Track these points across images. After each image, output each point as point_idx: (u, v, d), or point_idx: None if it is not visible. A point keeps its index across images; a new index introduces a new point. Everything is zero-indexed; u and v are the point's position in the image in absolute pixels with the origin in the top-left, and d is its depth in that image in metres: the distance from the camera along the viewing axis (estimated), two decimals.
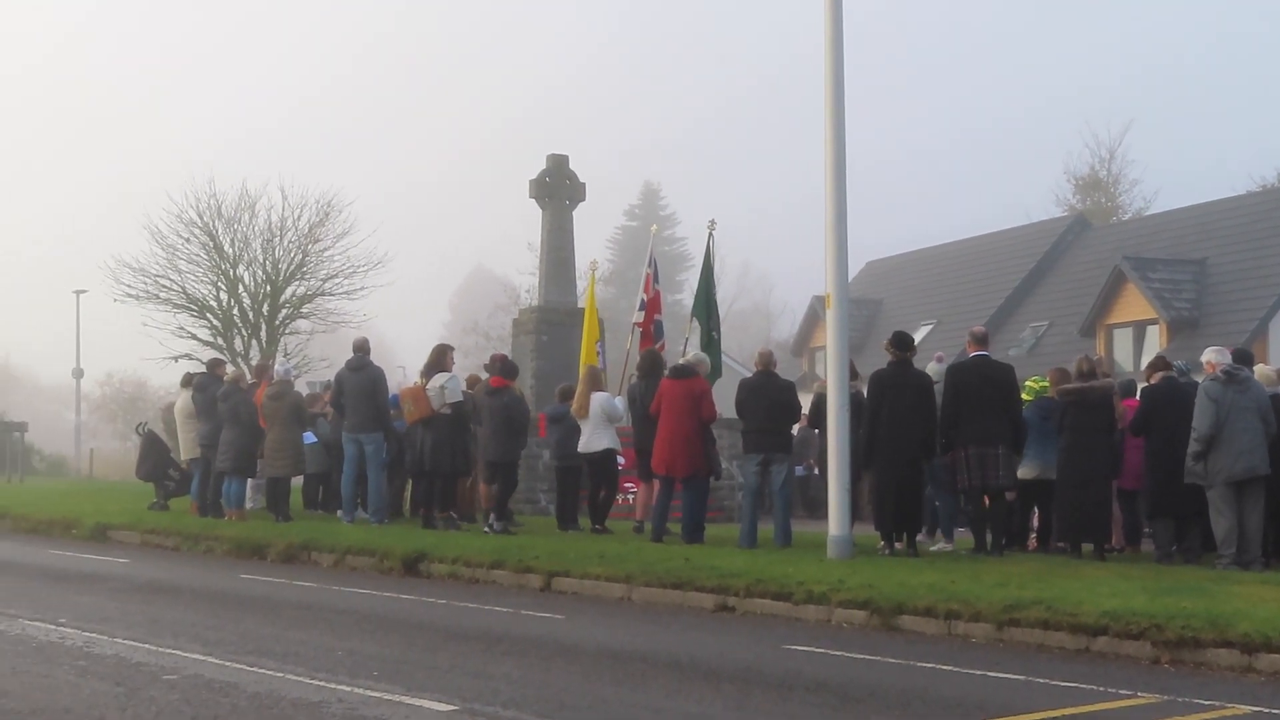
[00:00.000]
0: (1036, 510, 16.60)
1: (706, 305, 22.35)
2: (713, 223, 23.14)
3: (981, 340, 15.74)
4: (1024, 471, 15.87)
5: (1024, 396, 16.22)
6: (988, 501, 15.35)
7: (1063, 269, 45.14)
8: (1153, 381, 15.49)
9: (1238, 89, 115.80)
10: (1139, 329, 38.65)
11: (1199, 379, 14.97)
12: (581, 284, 29.96)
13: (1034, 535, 16.58)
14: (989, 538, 15.33)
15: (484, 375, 19.59)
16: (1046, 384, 16.39)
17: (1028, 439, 15.77)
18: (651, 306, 23.19)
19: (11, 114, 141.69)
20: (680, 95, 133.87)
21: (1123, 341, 39.17)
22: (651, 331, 23.00)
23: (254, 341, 37.80)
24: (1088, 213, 55.01)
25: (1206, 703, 8.44)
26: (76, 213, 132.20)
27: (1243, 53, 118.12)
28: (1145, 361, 22.96)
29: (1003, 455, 14.98)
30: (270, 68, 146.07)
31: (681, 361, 17.41)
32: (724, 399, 18.08)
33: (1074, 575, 12.80)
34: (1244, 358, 15.63)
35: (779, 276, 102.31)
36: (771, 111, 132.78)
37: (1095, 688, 8.85)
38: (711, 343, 22.26)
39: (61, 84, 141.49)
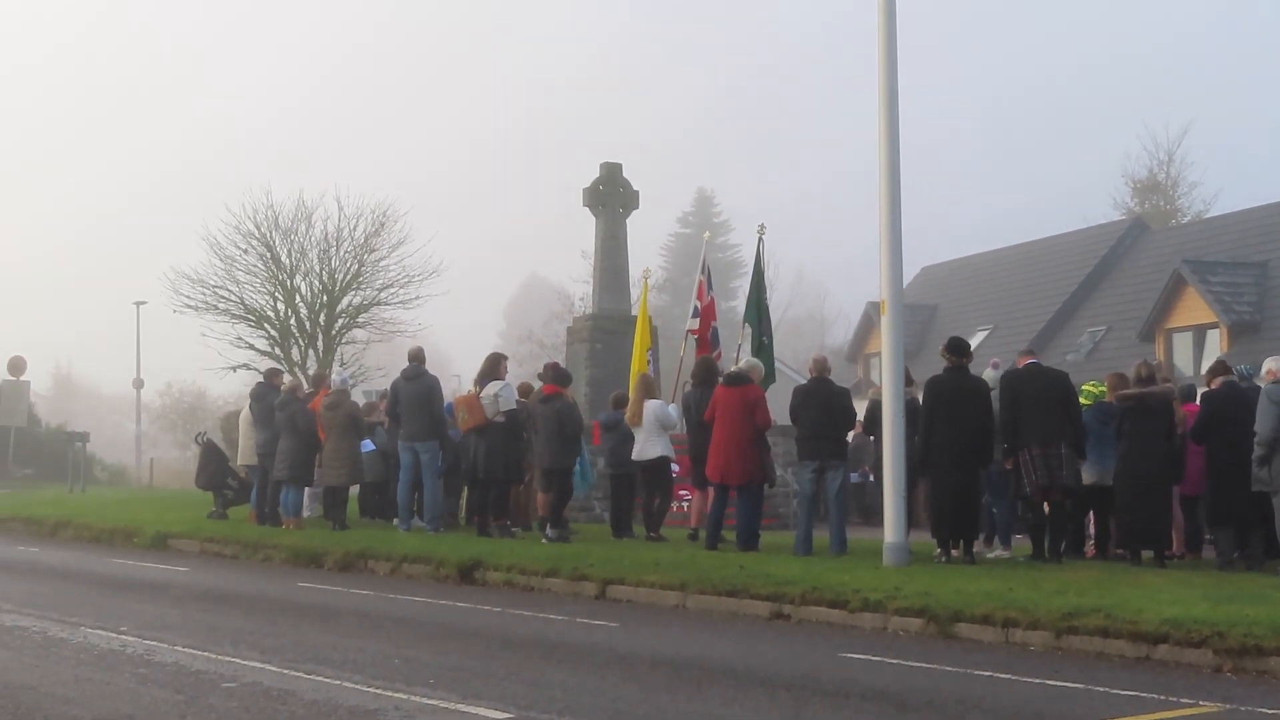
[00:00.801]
0: (1094, 517, 16.45)
1: (758, 311, 22.35)
2: (762, 227, 23.16)
3: (1029, 353, 15.93)
4: (1084, 477, 15.75)
5: (1082, 401, 16.10)
6: (1047, 507, 15.23)
7: (1121, 273, 44.76)
8: (1213, 386, 15.34)
9: None
10: (1199, 333, 38.24)
11: (1261, 384, 14.80)
12: (635, 292, 29.96)
13: (1092, 542, 16.44)
14: (1047, 544, 15.21)
15: (537, 384, 19.64)
16: (1104, 388, 16.27)
17: (1087, 445, 15.66)
18: (707, 314, 23.19)
19: (75, 126, 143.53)
20: (735, 99, 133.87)
21: (1182, 346, 38.78)
22: (709, 339, 23.00)
23: (311, 351, 38.07)
24: (1146, 216, 54.55)
25: (1270, 711, 8.33)
26: (137, 223, 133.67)
27: None
28: (1205, 366, 22.70)
29: (1066, 454, 14.89)
30: (324, 78, 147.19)
31: (735, 368, 17.40)
32: (778, 405, 18.06)
33: (1134, 582, 12.67)
34: None
35: (833, 282, 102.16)
36: (826, 116, 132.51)
37: (1156, 696, 8.76)
38: (763, 348, 22.25)
39: (123, 93, 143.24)
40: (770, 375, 21.82)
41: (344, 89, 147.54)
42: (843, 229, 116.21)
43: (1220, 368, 15.68)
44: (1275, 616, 10.15)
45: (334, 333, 38.67)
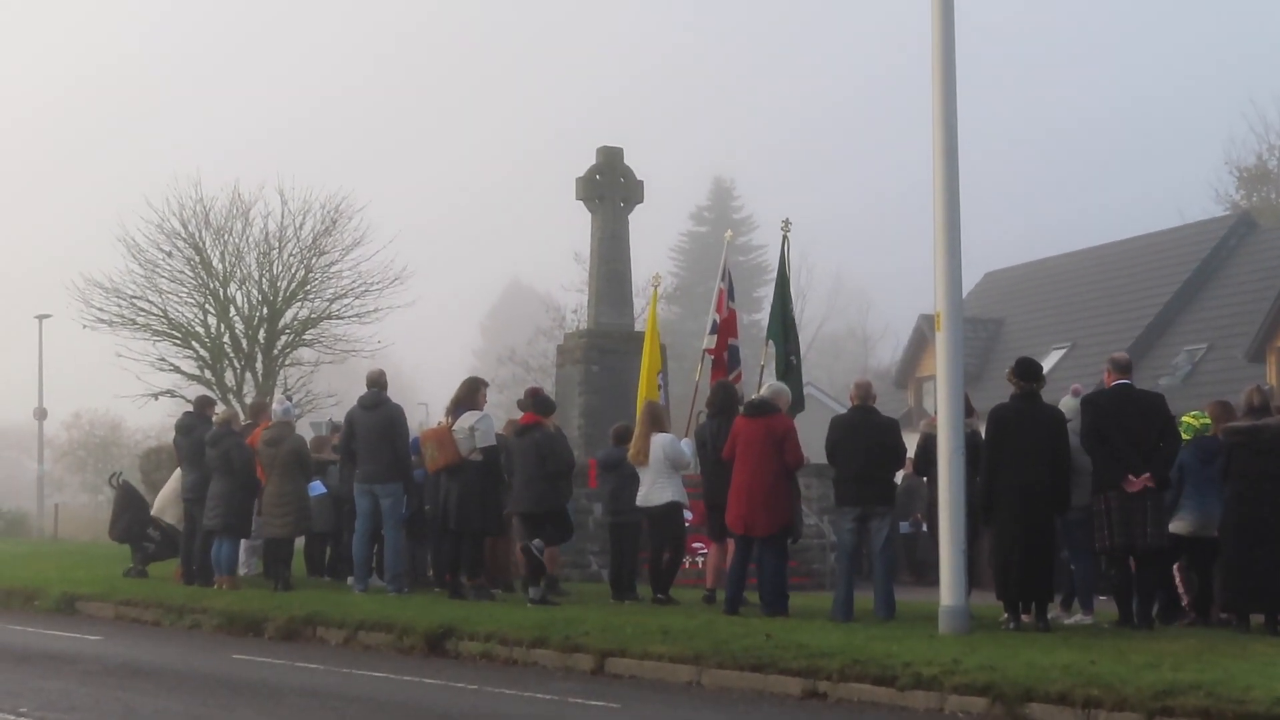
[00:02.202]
0: (1195, 574, 16.43)
1: (783, 324, 22.29)
2: (787, 223, 23.05)
3: (1124, 368, 15.63)
4: (1180, 526, 15.74)
5: (1181, 435, 16.11)
6: (1134, 564, 15.23)
7: (1224, 280, 44.81)
8: None
9: None
10: None
11: None
12: (640, 302, 30.02)
13: (1191, 604, 16.42)
14: (1136, 607, 15.20)
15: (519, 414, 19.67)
16: (1208, 420, 16.26)
17: (1185, 488, 15.66)
18: (725, 329, 23.20)
19: None
20: (757, 75, 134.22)
21: None
22: (725, 360, 23.02)
23: (248, 375, 38.11)
24: (1254, 211, 54.65)
25: None
26: (40, 225, 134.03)
27: None
28: None
29: (1151, 506, 14.87)
30: (264, 58, 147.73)
31: (758, 395, 17.35)
32: (812, 440, 18.05)
33: (1241, 653, 12.66)
34: None
35: (879, 292, 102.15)
36: (867, 90, 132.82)
37: None
38: (790, 370, 22.18)
39: (24, 83, 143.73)
40: (799, 402, 21.83)
41: (287, 61, 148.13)
42: (890, 228, 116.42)
43: None
44: None
45: (276, 352, 38.71)
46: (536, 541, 17.91)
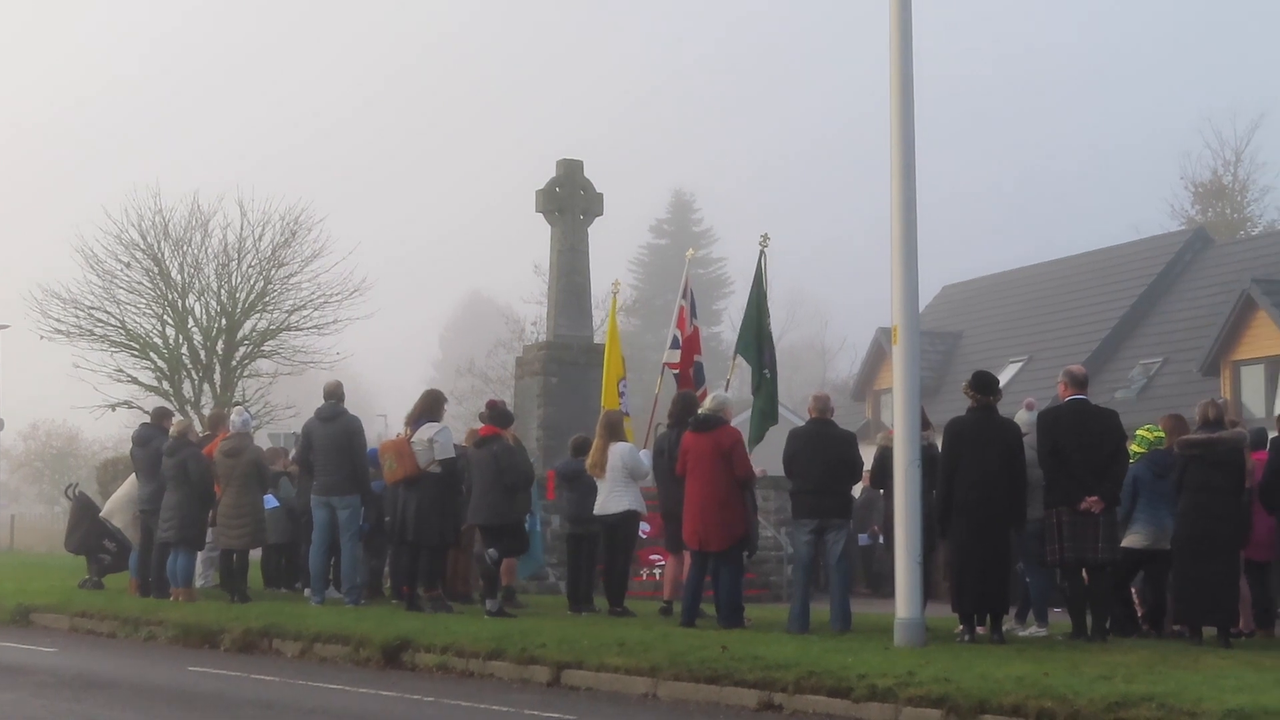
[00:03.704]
0: (1149, 587, 16.52)
1: (758, 339, 22.24)
2: (765, 238, 22.96)
3: (1079, 382, 15.66)
4: (1134, 540, 15.82)
5: (1134, 449, 16.19)
6: (1086, 576, 15.29)
7: (1179, 294, 45.07)
8: None
9: None
10: (1272, 366, 38.52)
11: None
12: (599, 314, 30.05)
13: (1144, 616, 16.51)
14: (1089, 620, 15.27)
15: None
16: (1161, 434, 16.34)
17: (1140, 502, 15.75)
18: (689, 346, 23.15)
19: None
20: (714, 84, 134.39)
21: (1253, 381, 39.06)
22: (691, 376, 22.97)
23: (206, 386, 37.98)
24: (1210, 226, 54.96)
25: None
26: None
27: None
28: None
29: (1103, 521, 14.94)
30: (225, 70, 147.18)
31: (703, 409, 17.28)
32: (771, 452, 18.07)
33: (1193, 665, 12.73)
34: None
35: (837, 305, 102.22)
36: (828, 104, 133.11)
37: None
38: (764, 384, 22.15)
39: None
40: (773, 415, 21.82)
41: (250, 72, 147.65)
42: (848, 240, 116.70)
43: None
44: None
45: (234, 364, 38.61)
46: (491, 550, 17.90)
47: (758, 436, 21.39)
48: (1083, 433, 15.10)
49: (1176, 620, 15.66)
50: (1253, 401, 38.11)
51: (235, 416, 21.15)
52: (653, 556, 22.33)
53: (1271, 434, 16.64)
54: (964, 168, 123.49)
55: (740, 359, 22.90)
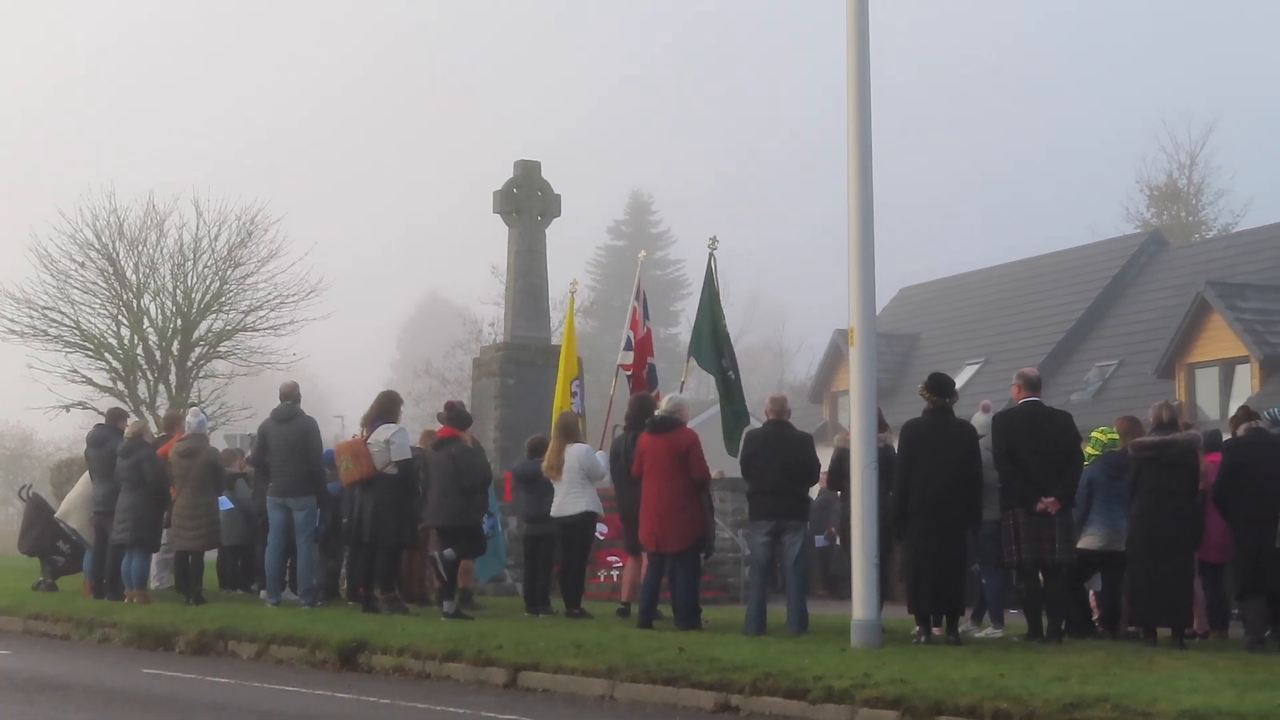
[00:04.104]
0: (1104, 588, 16.60)
1: (714, 340, 22.22)
2: (714, 241, 23.01)
3: (1033, 385, 15.72)
4: (1090, 541, 15.90)
5: (1089, 451, 16.27)
6: (1042, 578, 15.36)
7: (1135, 297, 45.32)
8: (1238, 434, 15.55)
9: None
10: (1226, 369, 38.78)
11: None
12: (556, 316, 30.04)
13: (1099, 618, 16.59)
14: (1045, 622, 15.34)
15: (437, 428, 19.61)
16: (1116, 436, 16.43)
17: (1095, 503, 15.83)
18: (642, 348, 23.17)
19: None
20: (673, 86, 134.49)
21: (1207, 384, 39.29)
22: (645, 379, 23.00)
23: (161, 387, 37.84)
24: (1165, 229, 55.31)
25: None
26: None
27: None
28: (1234, 408, 23.02)
29: (1059, 522, 15.01)
30: (181, 58, 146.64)
31: (660, 410, 17.29)
32: (729, 455, 18.09)
33: (1147, 666, 12.80)
34: None
35: (795, 307, 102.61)
36: (784, 107, 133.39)
37: None
38: (731, 384, 22.12)
39: None
40: (744, 416, 21.81)
41: (207, 72, 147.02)
42: (806, 242, 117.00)
43: (1245, 413, 15.85)
44: None
45: (190, 364, 38.48)
46: (447, 551, 17.87)
47: (735, 438, 21.25)
48: (1037, 435, 15.17)
49: (1131, 621, 15.73)
50: (1207, 404, 38.34)
51: (191, 417, 21.07)
52: (610, 558, 22.34)
53: (1225, 436, 16.76)
54: (921, 170, 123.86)
55: (694, 361, 22.88)
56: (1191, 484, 15.33)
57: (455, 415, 18.75)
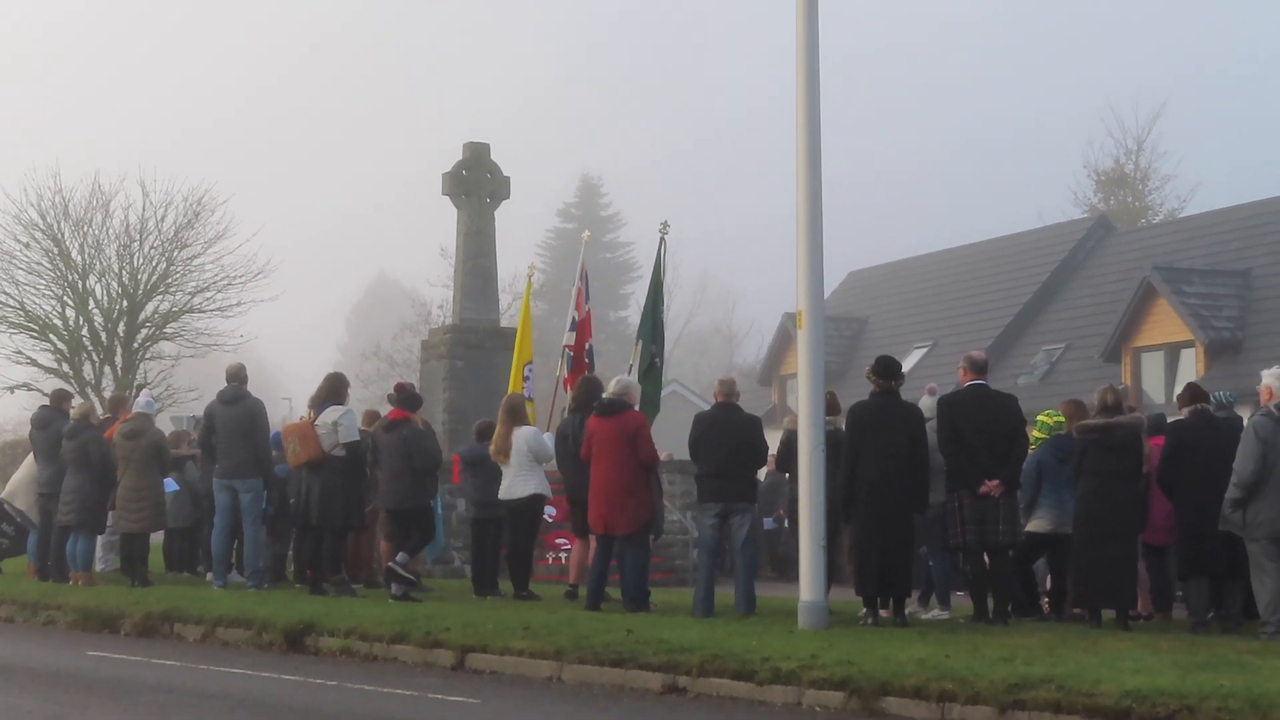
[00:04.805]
0: (1051, 571, 16.71)
1: (653, 325, 22.29)
2: (665, 225, 23.03)
3: (979, 368, 15.77)
4: (1037, 524, 16.00)
5: (1036, 434, 16.36)
6: (989, 560, 15.44)
7: (1082, 281, 45.57)
8: (1182, 414, 15.66)
9: None
10: (1171, 352, 39.05)
11: (1244, 412, 15.10)
12: (505, 297, 30.03)
13: (1046, 600, 16.70)
14: (991, 603, 15.43)
15: (386, 410, 19.58)
16: (1062, 419, 16.52)
17: (1044, 486, 15.93)
18: (583, 329, 23.19)
19: None
20: (623, 68, 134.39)
21: (1153, 367, 39.55)
22: (585, 360, 23.01)
23: (107, 368, 37.64)
24: (1112, 214, 55.64)
25: None
26: None
27: None
28: (1179, 391, 23.20)
29: (1004, 504, 15.09)
30: (123, 37, 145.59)
31: (608, 394, 17.29)
32: (678, 437, 18.12)
33: (1092, 648, 12.88)
34: None
35: (745, 290, 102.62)
36: (734, 90, 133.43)
37: None
38: (652, 370, 22.15)
39: None
40: (655, 404, 21.83)
41: (155, 52, 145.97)
42: (756, 225, 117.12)
43: (1192, 393, 15.92)
44: (1254, 687, 10.37)
45: (136, 346, 38.29)
46: (400, 556, 17.84)
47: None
48: (982, 417, 15.23)
49: (1076, 603, 15.84)
50: (1153, 387, 38.62)
51: (141, 398, 20.99)
52: (558, 540, 22.34)
53: (1170, 419, 16.87)
54: (870, 154, 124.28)
55: (640, 344, 22.89)
56: (1136, 467, 15.44)
57: (406, 397, 18.72)
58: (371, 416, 20.12)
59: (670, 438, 21.37)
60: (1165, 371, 39.03)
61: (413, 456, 17.98)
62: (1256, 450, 14.13)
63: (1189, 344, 38.33)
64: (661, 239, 23.02)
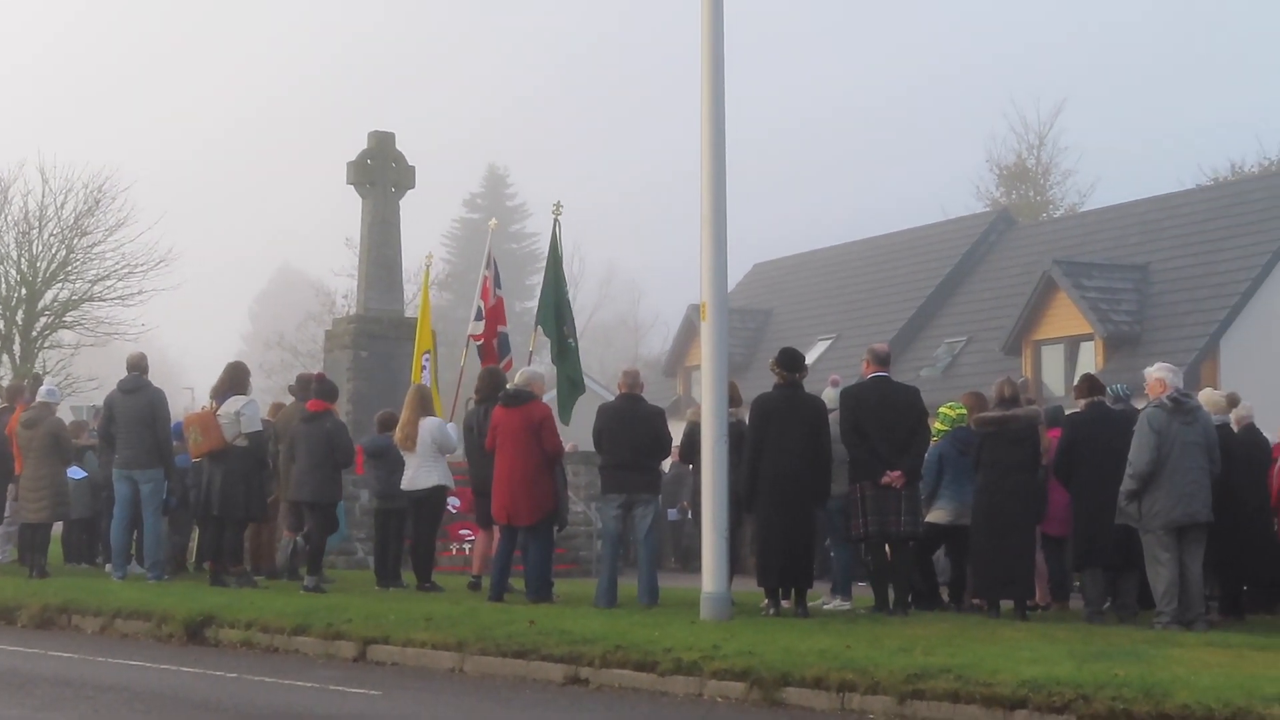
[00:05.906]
0: (951, 561, 16.86)
1: (556, 308, 22.19)
2: (558, 206, 22.94)
3: (882, 360, 15.87)
4: (938, 515, 16.14)
5: (937, 426, 16.50)
6: (890, 551, 15.56)
7: (983, 274, 45.95)
8: (1079, 406, 15.84)
9: (1189, 65, 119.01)
10: (1071, 345, 39.46)
11: (1140, 404, 15.31)
12: (410, 288, 29.90)
13: (945, 590, 16.84)
14: (892, 594, 15.55)
15: (289, 400, 19.46)
16: (963, 410, 16.66)
17: (945, 478, 16.07)
18: (493, 317, 23.13)
19: None
20: (527, 56, 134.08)
21: (1053, 360, 39.96)
22: (495, 348, 22.95)
23: (5, 357, 37.17)
24: (1013, 208, 56.14)
25: None
26: None
27: (1196, 22, 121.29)
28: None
29: (905, 495, 15.20)
30: (33, 24, 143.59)
31: (513, 384, 17.27)
32: (582, 429, 18.12)
33: (990, 638, 13.02)
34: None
35: (651, 281, 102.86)
36: (638, 79, 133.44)
37: None
38: (568, 352, 22.09)
39: None
40: (579, 385, 21.84)
41: (54, 35, 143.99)
42: (661, 218, 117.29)
43: (1088, 386, 16.08)
44: (1148, 677, 10.53)
45: (34, 334, 37.83)
46: (300, 537, 17.77)
47: (568, 406, 21.39)
48: (884, 409, 15.34)
49: (975, 594, 16.00)
50: (1053, 380, 39.00)
51: (44, 387, 20.76)
52: (462, 531, 22.30)
53: (1068, 411, 17.06)
54: (776, 144, 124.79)
55: (540, 330, 22.81)
56: (1033, 458, 15.62)
57: (325, 389, 18.70)
58: (275, 408, 19.97)
59: (575, 429, 21.34)
60: (1065, 364, 39.43)
61: (335, 450, 17.97)
62: (1151, 442, 14.35)
63: (1088, 337, 38.76)
64: (555, 220, 22.95)
